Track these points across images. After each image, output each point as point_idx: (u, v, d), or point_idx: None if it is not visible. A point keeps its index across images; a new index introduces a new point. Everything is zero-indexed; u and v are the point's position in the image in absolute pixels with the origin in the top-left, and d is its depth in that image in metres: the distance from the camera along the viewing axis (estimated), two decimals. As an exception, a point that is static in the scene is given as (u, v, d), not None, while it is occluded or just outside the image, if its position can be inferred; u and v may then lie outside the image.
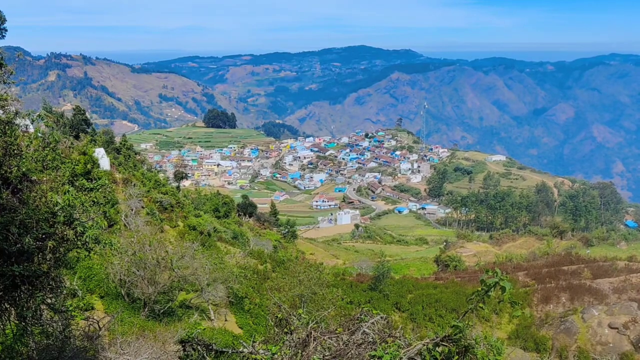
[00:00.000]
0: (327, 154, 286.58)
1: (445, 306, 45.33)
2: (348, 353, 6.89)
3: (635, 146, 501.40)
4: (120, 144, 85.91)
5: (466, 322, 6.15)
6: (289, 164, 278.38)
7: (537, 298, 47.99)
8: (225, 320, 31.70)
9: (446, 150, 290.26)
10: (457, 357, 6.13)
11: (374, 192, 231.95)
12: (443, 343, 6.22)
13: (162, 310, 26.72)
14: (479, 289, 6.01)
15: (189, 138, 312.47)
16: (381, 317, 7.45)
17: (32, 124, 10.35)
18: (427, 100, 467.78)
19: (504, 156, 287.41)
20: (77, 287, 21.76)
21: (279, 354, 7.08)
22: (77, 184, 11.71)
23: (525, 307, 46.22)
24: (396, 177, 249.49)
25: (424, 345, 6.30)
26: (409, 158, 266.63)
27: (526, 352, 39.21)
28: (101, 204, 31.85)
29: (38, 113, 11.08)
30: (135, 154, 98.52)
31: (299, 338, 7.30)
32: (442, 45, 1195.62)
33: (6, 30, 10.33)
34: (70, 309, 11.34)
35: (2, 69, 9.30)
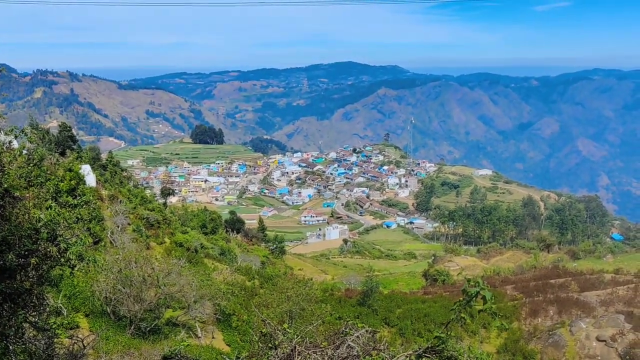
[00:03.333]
0: (315, 169, 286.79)
1: (434, 320, 45.23)
2: (333, 367, 6.86)
3: (620, 159, 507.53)
4: (107, 160, 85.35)
5: (449, 333, 6.15)
6: (277, 180, 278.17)
7: (525, 311, 48.07)
8: (213, 337, 31.40)
9: (433, 164, 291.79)
10: (440, 369, 6.12)
11: (362, 207, 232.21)
12: (426, 354, 6.22)
13: (148, 328, 26.42)
14: (461, 299, 6.03)
15: (176, 154, 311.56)
16: (366, 331, 7.44)
17: (15, 139, 10.28)
18: (413, 116, 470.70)
19: (491, 170, 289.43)
20: (61, 305, 21.49)
21: (263, 369, 7.04)
22: (60, 200, 11.62)
23: (513, 320, 46.28)
24: (384, 191, 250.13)
25: (407, 357, 6.30)
26: (396, 173, 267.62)
27: (515, 366, 39.23)
28: (86, 220, 31.61)
29: (22, 129, 11.02)
30: (122, 170, 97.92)
31: (283, 353, 7.26)
32: (428, 61, 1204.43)
33: (-9, 47, 10.25)
34: (54, 327, 11.18)
35: (-15, 84, 9.25)
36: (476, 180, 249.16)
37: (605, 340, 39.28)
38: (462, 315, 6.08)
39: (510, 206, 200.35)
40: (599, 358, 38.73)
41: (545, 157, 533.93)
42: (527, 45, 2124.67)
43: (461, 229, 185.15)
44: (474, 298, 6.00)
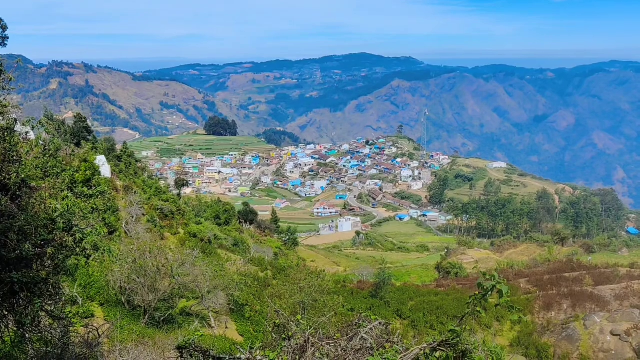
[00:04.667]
0: (327, 161, 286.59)
1: (447, 313, 45.20)
2: (346, 359, 6.87)
3: (636, 153, 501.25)
4: (122, 151, 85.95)
5: (464, 327, 6.12)
6: (290, 171, 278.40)
7: (538, 305, 47.86)
8: (226, 327, 31.62)
9: (447, 157, 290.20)
10: (455, 362, 6.10)
11: (374, 199, 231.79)
12: (440, 348, 6.20)
13: (162, 318, 26.67)
14: (477, 292, 6.00)
15: (190, 145, 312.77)
16: (379, 323, 7.43)
17: (32, 130, 10.37)
18: (427, 108, 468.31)
19: (505, 163, 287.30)
20: (77, 295, 21.74)
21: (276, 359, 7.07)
22: (76, 190, 11.72)
23: (526, 314, 46.08)
24: (397, 184, 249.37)
25: (421, 350, 6.28)
26: (409, 165, 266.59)
27: (528, 360, 39.10)
28: (101, 210, 31.88)
29: (39, 120, 11.12)
30: (137, 161, 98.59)
31: (296, 344, 7.28)
32: (443, 52, 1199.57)
33: (8, 38, 10.33)
34: (70, 316, 11.32)
35: (2, 75, 9.33)
36: (490, 173, 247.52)
37: (619, 335, 39.00)
38: (478, 309, 6.05)
39: (525, 199, 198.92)
40: (613, 352, 38.47)
41: (561, 150, 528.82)
42: (543, 37, 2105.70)
43: (475, 222, 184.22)
44: (490, 292, 5.96)
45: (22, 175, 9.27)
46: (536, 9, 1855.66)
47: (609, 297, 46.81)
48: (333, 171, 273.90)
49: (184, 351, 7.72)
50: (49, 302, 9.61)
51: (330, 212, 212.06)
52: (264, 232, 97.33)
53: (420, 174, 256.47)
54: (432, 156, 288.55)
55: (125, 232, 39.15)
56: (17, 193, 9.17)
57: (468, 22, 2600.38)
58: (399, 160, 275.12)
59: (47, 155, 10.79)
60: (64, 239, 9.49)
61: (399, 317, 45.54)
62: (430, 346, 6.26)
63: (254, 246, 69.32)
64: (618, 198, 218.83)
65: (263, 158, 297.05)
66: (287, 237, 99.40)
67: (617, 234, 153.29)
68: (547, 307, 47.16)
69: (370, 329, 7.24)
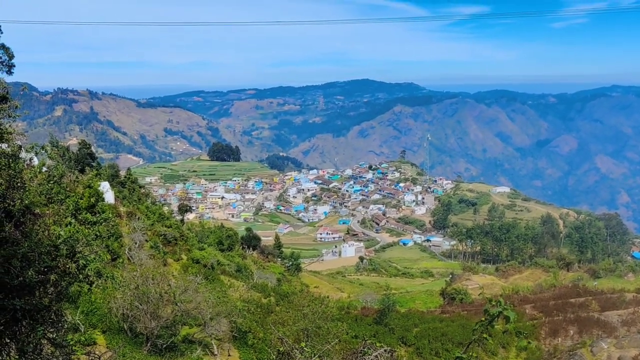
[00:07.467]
0: (330, 186, 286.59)
1: (452, 340, 44.68)
2: (351, 387, 6.77)
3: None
4: (125, 177, 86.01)
5: (470, 354, 6.04)
6: (293, 197, 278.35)
7: (545, 331, 47.33)
8: (229, 355, 31.30)
9: (450, 182, 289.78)
10: (462, 390, 5.99)
11: (378, 224, 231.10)
12: (447, 376, 6.12)
13: (164, 345, 26.41)
14: (483, 319, 5.92)
15: (194, 171, 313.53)
16: (385, 350, 7.34)
17: (36, 156, 10.42)
18: (430, 133, 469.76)
19: (508, 188, 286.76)
20: (79, 322, 21.59)
21: (281, 388, 6.98)
22: (80, 217, 11.73)
23: (533, 340, 45.52)
24: (400, 209, 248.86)
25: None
26: (413, 190, 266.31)
27: (535, 387, 38.48)
28: (104, 237, 31.86)
29: (42, 146, 11.17)
30: (140, 187, 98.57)
31: (301, 372, 7.20)
32: (445, 78, 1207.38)
33: (14, 67, 10.46)
34: (72, 343, 11.22)
35: (8, 102, 9.42)
36: (494, 198, 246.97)
37: (628, 362, 38.42)
38: (484, 335, 5.98)
39: (529, 224, 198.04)
40: (622, 380, 37.85)
41: (564, 174, 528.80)
42: (544, 62, 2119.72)
43: (479, 247, 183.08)
44: (496, 318, 5.89)
45: (26, 202, 9.29)
46: (537, 35, 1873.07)
47: (615, 323, 46.30)
48: (336, 196, 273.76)
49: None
50: (51, 330, 9.53)
51: (334, 238, 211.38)
52: (267, 257, 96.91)
53: (423, 198, 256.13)
54: (435, 181, 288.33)
55: (128, 259, 39.00)
56: (21, 219, 9.18)
57: (470, 48, 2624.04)
58: (402, 185, 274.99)
59: (51, 182, 10.83)
60: (67, 266, 9.46)
61: (404, 344, 45.00)
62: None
63: (257, 272, 68.94)
64: (623, 222, 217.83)
65: (266, 183, 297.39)
66: (290, 263, 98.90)
67: (622, 258, 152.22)
68: (554, 333, 46.63)
69: (376, 356, 7.16)
